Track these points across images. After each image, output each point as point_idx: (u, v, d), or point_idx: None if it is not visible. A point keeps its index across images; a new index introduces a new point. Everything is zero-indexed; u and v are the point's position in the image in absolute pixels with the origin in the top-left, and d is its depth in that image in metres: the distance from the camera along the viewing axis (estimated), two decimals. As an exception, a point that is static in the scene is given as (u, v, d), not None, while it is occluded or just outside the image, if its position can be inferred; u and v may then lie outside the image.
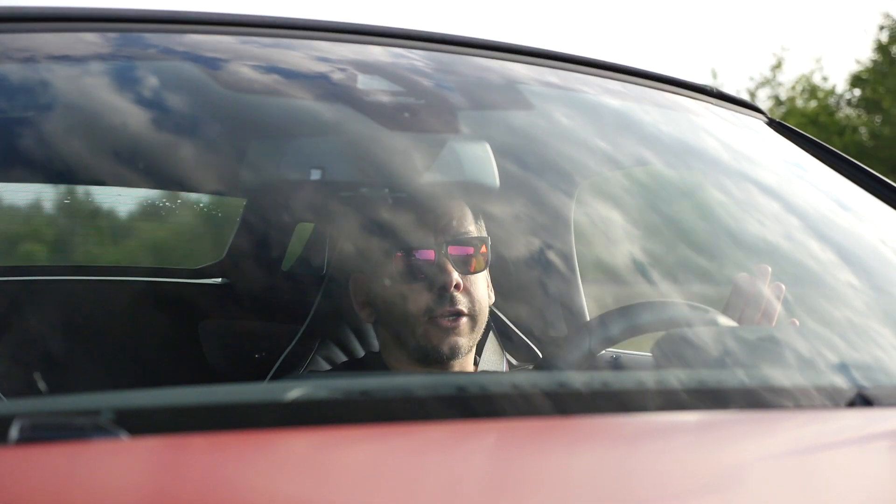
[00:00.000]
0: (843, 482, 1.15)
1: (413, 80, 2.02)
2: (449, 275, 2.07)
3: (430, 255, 2.10)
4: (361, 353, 2.39)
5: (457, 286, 2.08)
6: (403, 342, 2.12)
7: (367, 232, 2.22)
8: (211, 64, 1.90)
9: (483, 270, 2.14)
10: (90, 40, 1.82)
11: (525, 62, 2.10)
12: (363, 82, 1.96)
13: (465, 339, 2.10)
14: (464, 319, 2.09)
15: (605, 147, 2.10)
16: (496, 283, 2.24)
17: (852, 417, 1.37)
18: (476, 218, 2.18)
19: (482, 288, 2.14)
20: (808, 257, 1.92)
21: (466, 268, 2.11)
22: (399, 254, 2.10)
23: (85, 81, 1.79)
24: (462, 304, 2.09)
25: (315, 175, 2.23)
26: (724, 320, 1.88)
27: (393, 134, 2.06)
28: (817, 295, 1.84)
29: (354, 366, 2.28)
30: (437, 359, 2.09)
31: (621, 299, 2.01)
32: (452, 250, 2.10)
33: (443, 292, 2.07)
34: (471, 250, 2.12)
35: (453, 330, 2.08)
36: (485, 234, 2.19)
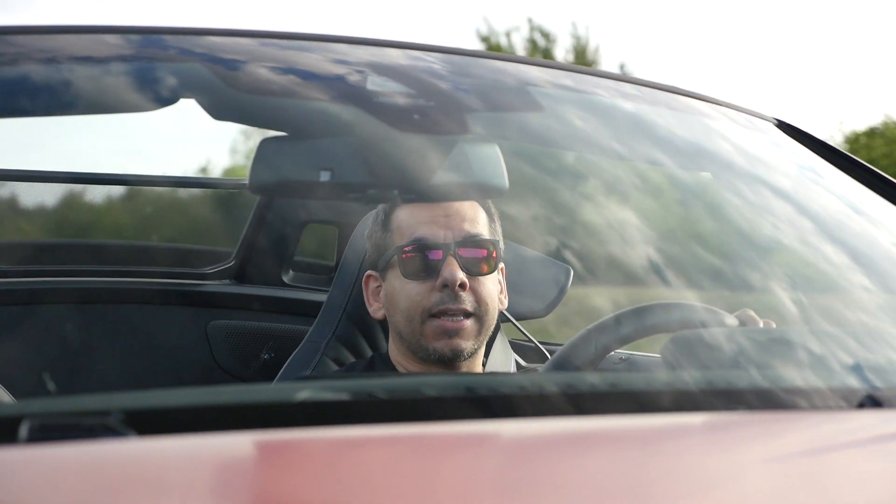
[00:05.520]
0: (854, 483, 1.14)
1: (423, 82, 2.02)
2: (454, 273, 2.08)
3: (438, 253, 2.11)
4: (370, 353, 2.40)
5: (462, 285, 2.08)
6: (408, 340, 2.14)
7: (376, 231, 2.23)
8: (221, 64, 1.90)
9: (492, 273, 2.14)
10: (107, 41, 1.83)
11: (537, 64, 2.11)
12: (373, 84, 1.96)
13: (469, 343, 2.10)
14: (468, 321, 2.09)
15: (620, 145, 2.10)
16: None
17: (863, 419, 1.37)
18: (490, 220, 2.19)
19: (490, 290, 2.13)
20: (820, 259, 1.92)
21: (475, 269, 2.12)
22: (409, 251, 2.12)
23: (100, 81, 1.80)
24: (467, 303, 2.09)
25: (324, 176, 2.23)
26: (734, 321, 1.88)
27: (402, 135, 2.06)
28: (829, 297, 1.84)
29: (362, 366, 2.29)
30: (439, 359, 2.10)
31: (633, 301, 2.01)
32: (462, 251, 2.11)
33: (448, 291, 2.08)
34: (481, 252, 2.13)
35: (456, 332, 2.09)
36: (499, 237, 2.20)
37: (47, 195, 3.36)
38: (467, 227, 2.13)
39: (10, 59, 1.73)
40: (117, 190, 3.43)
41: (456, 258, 2.10)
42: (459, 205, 2.15)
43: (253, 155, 1.91)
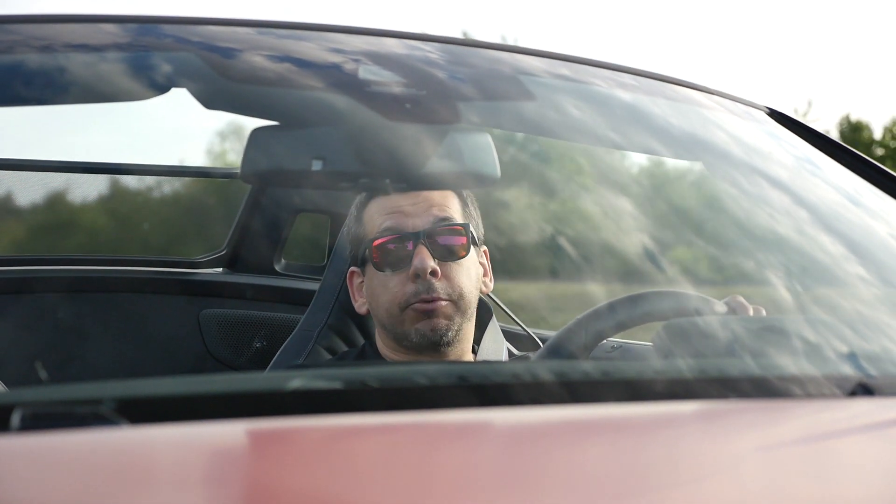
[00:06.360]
0: (848, 471, 1.15)
1: (415, 71, 2.02)
2: (424, 262, 2.08)
3: (409, 242, 2.10)
4: (361, 342, 2.40)
5: (433, 273, 2.08)
6: (389, 331, 2.14)
7: (351, 226, 2.23)
8: (213, 54, 1.90)
9: (466, 257, 2.13)
10: (99, 30, 1.82)
11: (532, 54, 2.11)
12: (365, 73, 1.95)
13: (447, 322, 2.09)
14: (442, 303, 2.08)
15: (613, 136, 2.10)
16: None
17: (857, 406, 1.37)
18: (464, 205, 2.18)
19: (465, 275, 2.12)
20: (814, 248, 1.92)
21: (448, 255, 2.11)
22: (379, 244, 2.11)
23: (92, 70, 1.80)
24: (440, 290, 2.08)
25: (316, 165, 2.23)
26: (723, 308, 1.88)
27: (395, 124, 2.06)
28: (823, 285, 1.84)
29: (353, 355, 2.29)
30: (422, 343, 2.09)
31: (628, 290, 2.01)
32: (432, 238, 2.10)
33: (419, 280, 2.08)
34: (452, 238, 2.12)
35: (432, 312, 2.08)
36: (475, 220, 2.19)
37: (28, 184, 3.35)
38: (436, 212, 2.12)
39: (3, 49, 1.73)
40: (104, 178, 3.42)
41: (426, 246, 2.09)
42: (429, 192, 2.14)
43: (244, 146, 1.91)
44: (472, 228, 2.16)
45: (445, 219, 2.13)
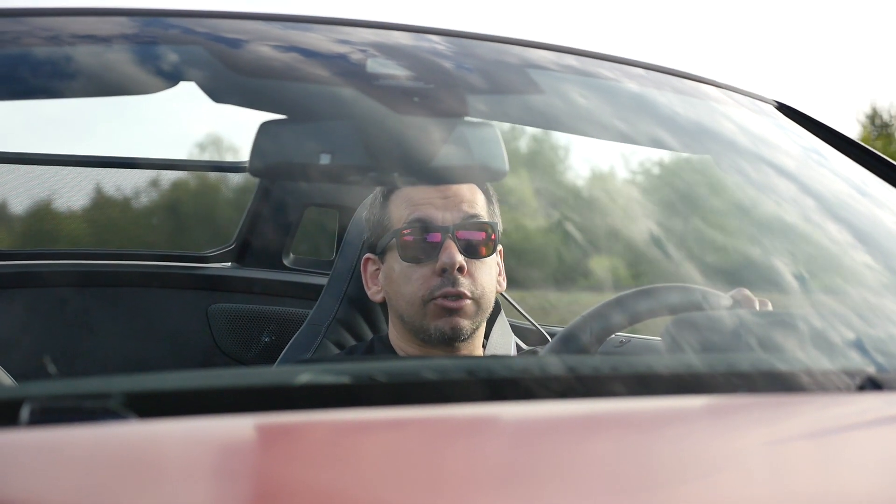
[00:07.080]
0: (858, 467, 1.14)
1: (423, 64, 2.02)
2: (453, 257, 2.07)
3: (436, 236, 2.10)
4: (370, 336, 2.40)
5: (460, 269, 2.08)
6: (408, 323, 2.13)
7: (374, 214, 2.22)
8: (222, 47, 1.90)
9: (490, 255, 2.14)
10: (108, 23, 1.82)
11: (539, 47, 2.10)
12: (373, 66, 1.95)
13: (468, 322, 2.10)
14: (466, 302, 2.09)
15: (622, 127, 2.10)
16: None
17: (867, 401, 1.37)
18: (489, 203, 2.18)
19: (488, 273, 2.13)
20: (824, 241, 1.92)
21: (474, 252, 2.11)
22: (407, 234, 2.11)
23: (100, 63, 1.80)
24: (465, 286, 2.09)
25: (324, 159, 2.23)
26: (729, 301, 1.88)
27: (403, 118, 2.06)
28: (832, 276, 1.84)
29: (362, 349, 2.29)
30: (439, 339, 2.09)
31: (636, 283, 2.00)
32: (460, 233, 2.11)
33: (446, 274, 2.08)
34: (479, 235, 2.12)
35: (456, 311, 2.08)
36: (497, 219, 2.20)
37: (32, 179, 3.36)
38: (466, 208, 2.12)
39: (10, 40, 1.73)
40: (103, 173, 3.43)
41: (454, 241, 2.10)
42: (457, 187, 2.14)
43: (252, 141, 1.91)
44: (497, 228, 2.16)
45: (474, 216, 2.13)
